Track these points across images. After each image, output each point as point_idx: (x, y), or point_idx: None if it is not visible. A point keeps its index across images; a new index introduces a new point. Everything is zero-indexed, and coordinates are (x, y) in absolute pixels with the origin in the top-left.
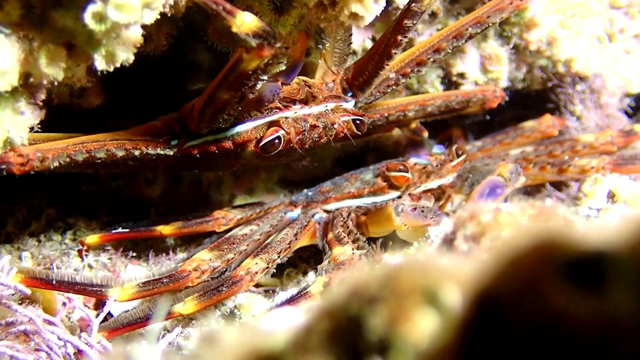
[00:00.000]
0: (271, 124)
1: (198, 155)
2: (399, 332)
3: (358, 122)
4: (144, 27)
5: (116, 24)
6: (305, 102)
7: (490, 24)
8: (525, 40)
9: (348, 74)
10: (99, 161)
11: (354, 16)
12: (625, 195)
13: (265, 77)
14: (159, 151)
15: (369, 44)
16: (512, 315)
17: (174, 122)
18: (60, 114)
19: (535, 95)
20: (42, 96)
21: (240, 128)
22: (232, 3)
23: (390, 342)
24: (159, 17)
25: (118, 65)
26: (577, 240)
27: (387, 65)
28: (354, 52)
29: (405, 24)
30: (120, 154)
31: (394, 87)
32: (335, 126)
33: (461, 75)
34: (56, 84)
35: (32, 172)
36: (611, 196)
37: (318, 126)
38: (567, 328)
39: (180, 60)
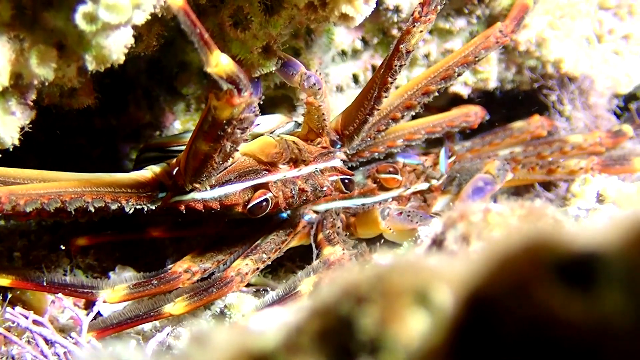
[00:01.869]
0: (259, 186)
1: (184, 211)
2: (390, 332)
3: (347, 181)
4: (134, 27)
5: (107, 24)
6: (294, 162)
7: (477, 62)
8: (515, 41)
9: (337, 124)
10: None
11: (344, 17)
12: (613, 196)
13: (245, 129)
14: (140, 206)
15: (358, 45)
16: (503, 316)
17: (165, 176)
18: (50, 113)
19: (525, 96)
20: (33, 96)
21: (228, 189)
22: (222, 3)
23: (381, 342)
24: (149, 17)
25: (109, 65)
26: (568, 242)
27: (377, 109)
28: (344, 53)
29: (395, 65)
30: (97, 205)
31: (384, 132)
32: (324, 189)
33: None
34: (47, 84)
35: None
36: (600, 196)
37: (307, 190)
38: (557, 329)
39: (170, 60)
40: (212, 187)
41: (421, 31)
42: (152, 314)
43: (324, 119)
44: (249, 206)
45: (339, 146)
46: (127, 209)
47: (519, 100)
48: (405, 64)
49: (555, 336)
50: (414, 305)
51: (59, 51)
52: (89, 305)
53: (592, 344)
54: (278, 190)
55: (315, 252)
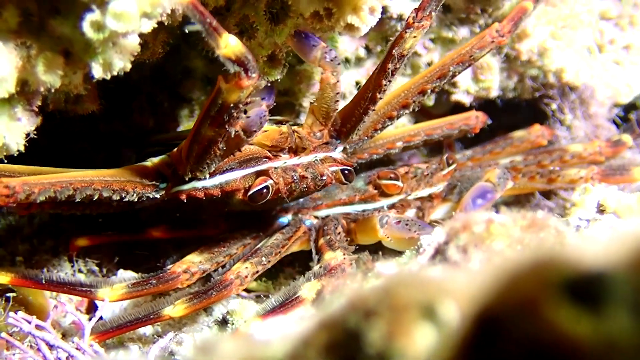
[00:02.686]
0: (260, 173)
1: (185, 200)
2: (397, 346)
3: (346, 172)
4: (141, 35)
5: (114, 32)
6: (294, 151)
7: (473, 62)
8: (517, 50)
9: (336, 122)
10: (84, 198)
11: (350, 27)
12: (614, 206)
13: (249, 113)
14: (146, 194)
15: (362, 53)
16: (511, 334)
17: (164, 166)
18: (55, 119)
19: (526, 105)
20: (38, 103)
21: (229, 176)
22: (228, 12)
23: (388, 356)
24: (156, 26)
25: (115, 73)
26: (575, 260)
27: (372, 109)
28: (347, 61)
29: (388, 68)
30: (106, 194)
31: (380, 130)
32: (324, 178)
33: (453, 84)
34: (53, 91)
35: (13, 205)
36: (600, 206)
37: (307, 177)
38: (565, 348)
39: (174, 66)
40: (213, 175)
41: (414, 36)
42: (151, 316)
43: (337, 101)
44: (249, 193)
45: (338, 142)
46: (134, 198)
47: (520, 109)
48: (399, 67)
49: (562, 356)
50: (421, 319)
51: (65, 58)
52: (91, 309)
53: None
54: (279, 176)
55: (315, 257)
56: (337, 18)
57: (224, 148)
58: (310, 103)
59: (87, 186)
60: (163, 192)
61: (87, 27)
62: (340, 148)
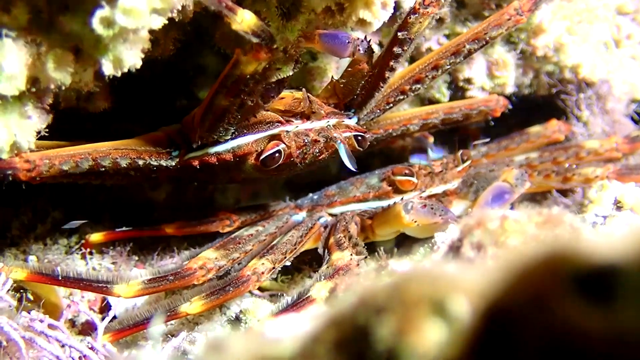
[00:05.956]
0: (272, 137)
1: (198, 167)
2: (407, 342)
3: (360, 138)
4: (151, 32)
5: (124, 29)
6: (307, 117)
7: (489, 40)
8: (532, 46)
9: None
10: (103, 169)
11: (362, 22)
12: (631, 202)
13: (267, 81)
14: (161, 162)
15: (375, 49)
16: (522, 329)
17: (175, 134)
18: (67, 117)
19: (542, 101)
20: (49, 100)
21: (241, 141)
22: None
23: (397, 352)
24: (166, 22)
25: (125, 70)
26: (587, 254)
27: (382, 86)
28: None
29: (395, 51)
30: (124, 162)
31: (393, 104)
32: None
33: (468, 81)
34: (63, 88)
35: (37, 179)
36: (617, 203)
37: (319, 141)
38: (577, 342)
39: (186, 64)
40: (226, 140)
41: (420, 22)
42: (168, 314)
43: (361, 84)
44: (262, 157)
45: (352, 111)
46: (153, 164)
47: (536, 106)
48: (407, 49)
49: (574, 349)
50: (431, 315)
51: (75, 55)
52: (105, 309)
53: (611, 357)
54: (290, 140)
55: (325, 257)
56: (349, 13)
57: (239, 116)
58: (333, 79)
59: (105, 156)
60: (177, 160)
61: (96, 24)
62: (355, 118)
